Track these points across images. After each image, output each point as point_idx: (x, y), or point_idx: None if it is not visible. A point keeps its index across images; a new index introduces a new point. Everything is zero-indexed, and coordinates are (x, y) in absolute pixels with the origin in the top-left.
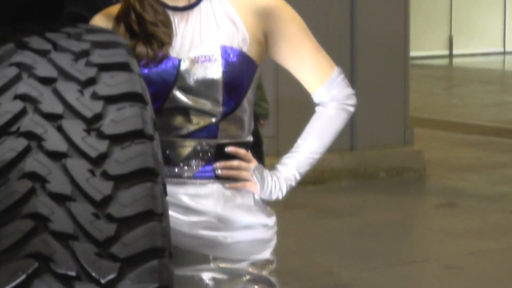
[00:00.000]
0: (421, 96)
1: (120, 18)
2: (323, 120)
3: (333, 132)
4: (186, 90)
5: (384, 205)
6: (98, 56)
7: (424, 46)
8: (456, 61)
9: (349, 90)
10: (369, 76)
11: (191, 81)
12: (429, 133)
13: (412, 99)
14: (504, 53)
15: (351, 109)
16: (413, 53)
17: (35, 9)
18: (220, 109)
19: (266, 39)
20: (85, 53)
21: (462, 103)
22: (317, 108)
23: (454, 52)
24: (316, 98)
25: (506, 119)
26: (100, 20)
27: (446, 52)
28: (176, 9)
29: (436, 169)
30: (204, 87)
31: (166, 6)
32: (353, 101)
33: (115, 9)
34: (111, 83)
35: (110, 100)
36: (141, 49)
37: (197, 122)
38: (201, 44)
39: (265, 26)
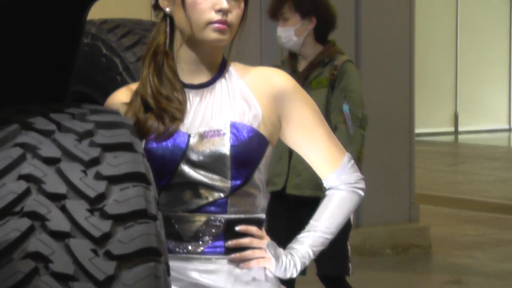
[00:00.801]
0: (426, 172)
1: (138, 92)
2: (335, 201)
3: (344, 212)
4: (195, 164)
5: (390, 282)
6: (102, 137)
7: (430, 123)
8: (461, 137)
9: (358, 175)
10: (374, 152)
11: (199, 155)
12: (434, 210)
13: (418, 175)
14: (509, 130)
15: (361, 192)
16: (418, 130)
17: (40, 89)
18: (228, 184)
19: (280, 122)
20: (89, 134)
21: (467, 180)
22: (328, 192)
23: (460, 129)
24: (326, 183)
25: None
26: (121, 94)
27: (452, 129)
28: (191, 86)
29: (442, 246)
30: (212, 161)
31: (182, 83)
32: (362, 185)
33: (132, 87)
34: (114, 164)
35: (113, 180)
36: (153, 122)
37: (206, 196)
38: (211, 120)
39: (280, 108)
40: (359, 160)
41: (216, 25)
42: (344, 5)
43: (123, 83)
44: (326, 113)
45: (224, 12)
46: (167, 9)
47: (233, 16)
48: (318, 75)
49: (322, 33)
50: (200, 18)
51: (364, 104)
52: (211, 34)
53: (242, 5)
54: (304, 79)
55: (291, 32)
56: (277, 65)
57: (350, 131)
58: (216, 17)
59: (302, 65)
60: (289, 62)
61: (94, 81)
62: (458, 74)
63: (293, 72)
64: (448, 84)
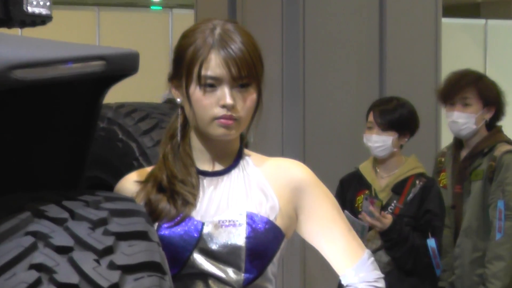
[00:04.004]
0: None
1: (153, 172)
2: None
3: None
4: (208, 254)
5: None
6: (116, 225)
7: None
8: None
9: (378, 274)
10: None
11: (213, 245)
12: None
13: None
14: None
15: None
16: None
17: (54, 175)
18: (241, 277)
19: (297, 215)
20: (103, 222)
21: None
22: None
23: None
24: (344, 280)
25: None
26: (135, 175)
27: None
28: (206, 174)
29: None
30: (226, 252)
31: (197, 169)
32: (382, 284)
33: (147, 169)
34: (129, 253)
35: (127, 270)
36: (165, 205)
37: None
38: (227, 209)
39: (297, 201)
40: None
41: (222, 120)
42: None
43: (140, 168)
44: (482, 208)
45: (228, 107)
46: (178, 100)
47: (241, 110)
48: (477, 166)
49: (494, 122)
50: (205, 114)
51: None
52: (217, 130)
53: (254, 96)
54: (463, 169)
55: (471, 120)
56: (443, 152)
57: (496, 233)
58: (221, 112)
59: (464, 154)
60: (453, 149)
61: (110, 166)
62: None
63: (454, 161)
64: None
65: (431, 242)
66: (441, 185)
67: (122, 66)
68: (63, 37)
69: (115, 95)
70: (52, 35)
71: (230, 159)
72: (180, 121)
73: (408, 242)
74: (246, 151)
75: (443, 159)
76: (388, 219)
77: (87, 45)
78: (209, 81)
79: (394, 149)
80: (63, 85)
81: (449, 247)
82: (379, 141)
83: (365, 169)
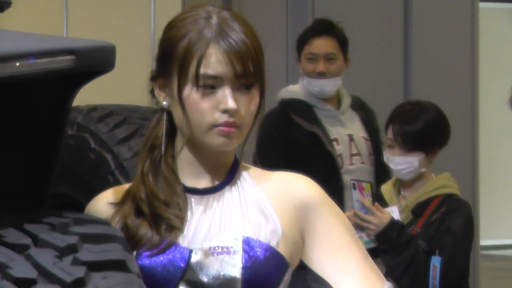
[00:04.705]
0: None
1: (131, 191)
2: None
3: None
4: (196, 287)
5: None
6: (88, 253)
7: (497, 233)
8: None
9: None
10: None
11: (203, 276)
12: None
13: None
14: None
15: None
16: (483, 242)
17: (14, 193)
18: None
19: (303, 240)
20: (72, 249)
21: None
22: None
23: None
24: None
25: None
26: (109, 194)
27: None
28: (194, 191)
29: None
30: (218, 285)
31: (183, 186)
32: None
33: (124, 187)
34: (103, 286)
35: None
36: (146, 231)
37: None
38: (219, 233)
39: (304, 223)
40: None
41: (223, 128)
42: None
43: (116, 184)
44: None
45: (231, 113)
46: (164, 103)
47: (244, 115)
48: None
49: None
50: (201, 120)
51: None
52: (216, 139)
53: (258, 99)
54: None
55: None
56: None
57: None
58: (222, 118)
59: None
60: None
61: (80, 181)
62: None
63: None
64: None
65: (435, 260)
66: None
67: (95, 62)
68: (24, 26)
69: (87, 96)
70: (11, 24)
71: (223, 174)
72: (165, 130)
73: (410, 249)
74: (242, 164)
75: None
76: (385, 214)
77: (53, 36)
78: (209, 82)
79: (422, 170)
80: (25, 84)
81: None
82: (403, 163)
83: (385, 188)
